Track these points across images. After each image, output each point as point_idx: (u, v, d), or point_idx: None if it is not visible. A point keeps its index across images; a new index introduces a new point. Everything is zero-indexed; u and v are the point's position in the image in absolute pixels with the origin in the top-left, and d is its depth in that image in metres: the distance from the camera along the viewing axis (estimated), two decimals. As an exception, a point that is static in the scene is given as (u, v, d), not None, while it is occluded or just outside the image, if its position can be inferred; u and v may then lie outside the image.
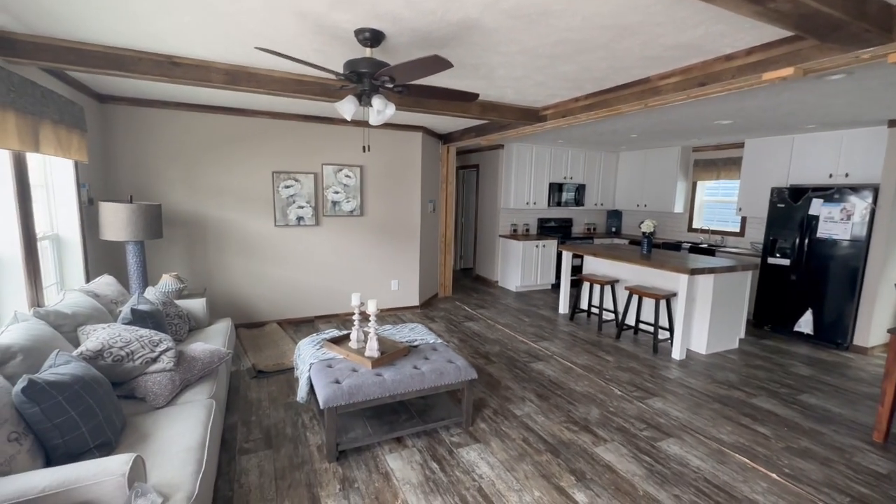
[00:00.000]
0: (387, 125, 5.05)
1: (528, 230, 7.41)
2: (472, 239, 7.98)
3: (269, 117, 4.49)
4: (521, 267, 6.73)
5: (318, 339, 3.12)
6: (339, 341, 3.02)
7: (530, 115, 3.93)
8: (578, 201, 7.41)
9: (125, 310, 2.43)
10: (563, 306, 5.65)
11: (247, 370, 3.63)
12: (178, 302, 3.34)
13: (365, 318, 4.56)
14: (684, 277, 4.04)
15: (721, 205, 6.58)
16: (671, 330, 4.36)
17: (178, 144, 4.20)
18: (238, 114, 4.35)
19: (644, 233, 4.95)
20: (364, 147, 2.66)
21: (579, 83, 3.08)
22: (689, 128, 5.00)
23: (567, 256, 5.60)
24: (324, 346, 2.95)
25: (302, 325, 4.88)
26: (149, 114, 4.05)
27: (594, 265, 5.49)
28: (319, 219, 4.90)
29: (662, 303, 4.53)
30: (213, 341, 2.99)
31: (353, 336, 2.94)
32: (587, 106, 3.41)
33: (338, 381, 2.46)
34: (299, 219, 4.77)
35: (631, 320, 5.00)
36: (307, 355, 2.87)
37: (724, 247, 6.04)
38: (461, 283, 7.42)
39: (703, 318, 4.22)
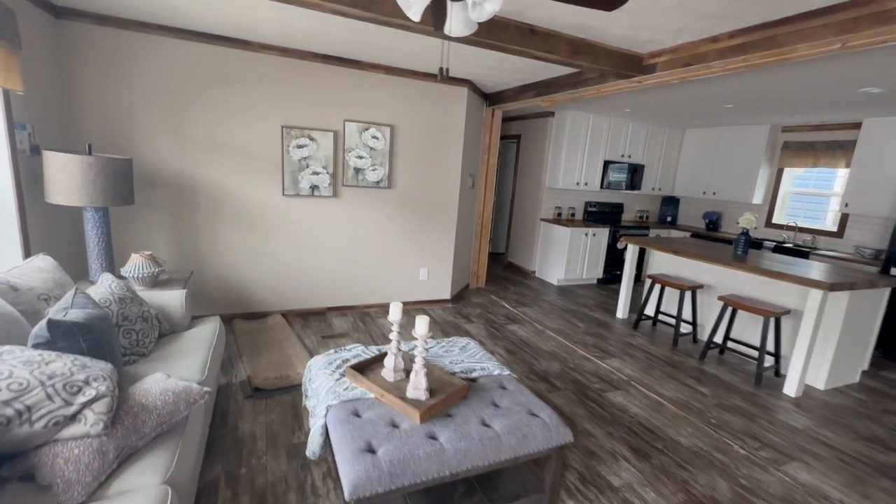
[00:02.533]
0: (428, 74, 4.02)
1: (573, 215, 6.41)
2: (507, 221, 7.00)
3: (279, 54, 3.48)
4: (566, 257, 5.77)
5: (338, 359, 2.23)
6: (367, 368, 2.13)
7: (631, 64, 2.90)
8: (634, 184, 6.36)
9: (41, 322, 1.53)
10: (623, 310, 4.72)
11: (240, 384, 2.78)
12: (147, 295, 2.45)
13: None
14: (816, 293, 3.07)
15: (811, 198, 5.53)
16: (777, 356, 3.44)
17: (161, 81, 3.22)
18: (240, 46, 3.35)
19: (743, 229, 3.95)
20: (441, 70, 1.69)
21: (741, 7, 2.05)
22: (814, 97, 3.92)
23: (632, 252, 4.62)
24: (346, 373, 2.06)
25: (311, 319, 4.01)
26: (122, 38, 3.06)
27: (667, 264, 4.52)
28: (338, 189, 3.95)
29: (771, 321, 3.57)
30: (190, 356, 2.11)
31: (390, 364, 2.04)
32: (733, 48, 2.38)
33: (371, 450, 1.57)
34: (313, 188, 3.82)
35: (717, 335, 4.07)
36: (322, 387, 1.98)
37: (818, 249, 5.03)
38: (493, 271, 6.49)
39: (827, 344, 3.27)
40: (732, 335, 3.94)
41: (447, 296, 4.72)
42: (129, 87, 3.15)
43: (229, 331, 3.58)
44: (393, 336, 2.03)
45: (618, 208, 6.68)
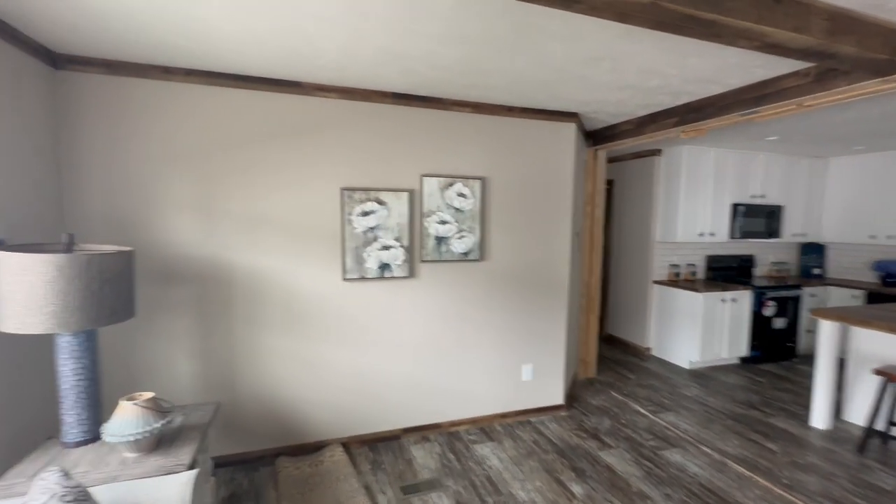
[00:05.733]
0: (525, 110, 3.05)
1: (693, 273, 5.05)
2: (601, 284, 5.71)
3: (338, 96, 2.63)
4: (699, 331, 4.37)
5: None
6: None
7: (908, 49, 1.74)
8: (772, 230, 4.97)
9: None
10: (822, 417, 3.23)
11: None
12: (121, 492, 1.41)
13: None
14: None
15: None
16: None
17: (186, 139, 2.41)
18: (289, 90, 2.53)
19: None
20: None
21: None
22: None
23: (830, 332, 3.20)
24: None
25: (382, 449, 2.86)
26: (134, 87, 2.30)
27: (880, 346, 3.05)
28: (415, 266, 2.92)
29: None
30: None
31: None
32: None
33: None
34: (383, 267, 2.81)
35: None
36: None
37: None
38: (593, 348, 5.13)
39: None
40: None
41: (560, 400, 3.44)
42: (142, 150, 2.34)
43: (270, 478, 2.48)
44: None
45: (748, 262, 5.25)
